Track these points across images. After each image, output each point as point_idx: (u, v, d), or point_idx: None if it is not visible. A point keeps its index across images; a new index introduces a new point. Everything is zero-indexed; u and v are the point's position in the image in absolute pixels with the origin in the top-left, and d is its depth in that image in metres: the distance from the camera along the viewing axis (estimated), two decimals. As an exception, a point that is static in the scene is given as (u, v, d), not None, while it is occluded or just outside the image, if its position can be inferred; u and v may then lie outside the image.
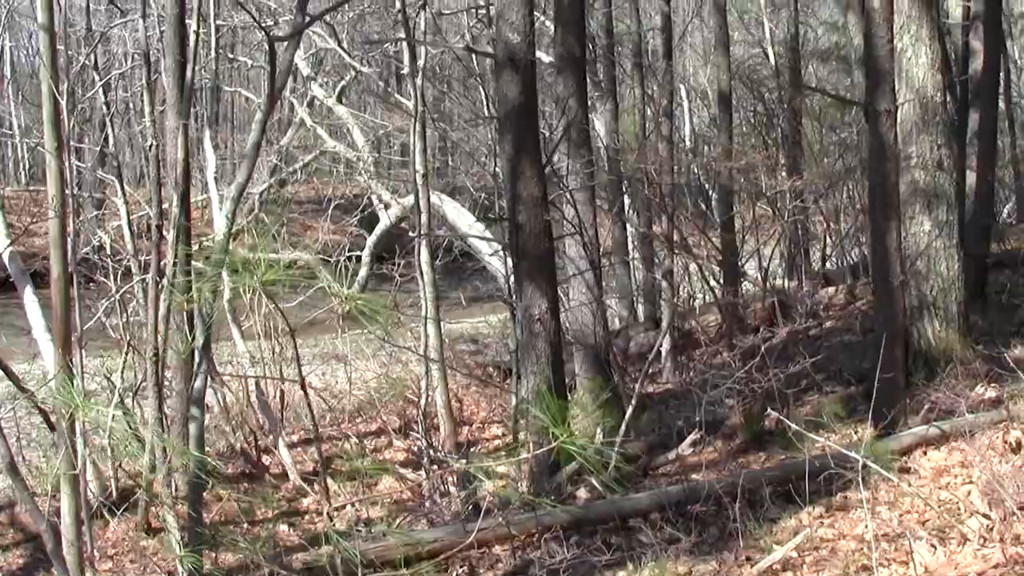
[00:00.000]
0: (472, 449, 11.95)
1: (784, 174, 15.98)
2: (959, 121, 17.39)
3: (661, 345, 13.56)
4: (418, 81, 12.67)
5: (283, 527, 10.03)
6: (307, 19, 7.52)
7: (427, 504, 9.64)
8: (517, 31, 9.63)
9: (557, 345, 9.70)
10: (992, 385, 9.67)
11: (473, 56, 17.74)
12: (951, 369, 10.16)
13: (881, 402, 8.64)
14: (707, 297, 16.27)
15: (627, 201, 17.09)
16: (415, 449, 11.42)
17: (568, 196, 11.61)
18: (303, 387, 7.06)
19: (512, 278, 10.67)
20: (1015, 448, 7.73)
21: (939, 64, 11.37)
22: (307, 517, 10.37)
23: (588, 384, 11.21)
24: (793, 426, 6.69)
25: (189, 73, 6.60)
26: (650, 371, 12.68)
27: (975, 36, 15.76)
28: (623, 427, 9.59)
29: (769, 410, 8.63)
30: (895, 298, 9.14)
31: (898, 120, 10.93)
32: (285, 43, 7.38)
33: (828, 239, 17.69)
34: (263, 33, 8.97)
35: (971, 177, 14.41)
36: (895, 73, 11.04)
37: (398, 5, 13.21)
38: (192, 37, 7.09)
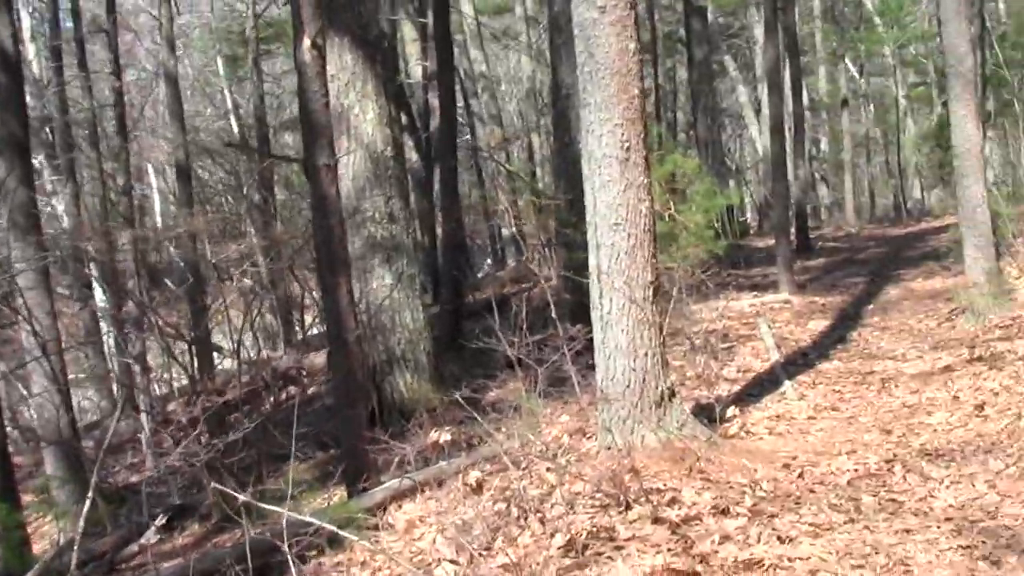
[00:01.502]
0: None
1: (255, 241, 15.74)
2: (426, 176, 17.97)
3: (139, 433, 12.94)
4: None
5: None
6: None
7: None
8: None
9: (2, 444, 8.89)
10: (460, 430, 9.75)
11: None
12: (423, 419, 10.17)
13: (350, 461, 8.48)
14: (184, 377, 15.63)
15: (95, 284, 16.21)
16: None
17: (16, 284, 10.89)
18: None
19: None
20: (477, 488, 7.76)
21: (387, 119, 11.52)
22: None
23: (57, 481, 10.50)
24: (242, 497, 6.30)
25: None
26: (133, 460, 12.05)
27: (433, 94, 16.36)
28: (81, 524, 8.82)
29: (213, 485, 8.20)
30: (350, 354, 8.90)
31: (350, 176, 10.96)
32: None
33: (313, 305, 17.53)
34: None
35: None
36: (344, 130, 11.06)
37: None
38: None
